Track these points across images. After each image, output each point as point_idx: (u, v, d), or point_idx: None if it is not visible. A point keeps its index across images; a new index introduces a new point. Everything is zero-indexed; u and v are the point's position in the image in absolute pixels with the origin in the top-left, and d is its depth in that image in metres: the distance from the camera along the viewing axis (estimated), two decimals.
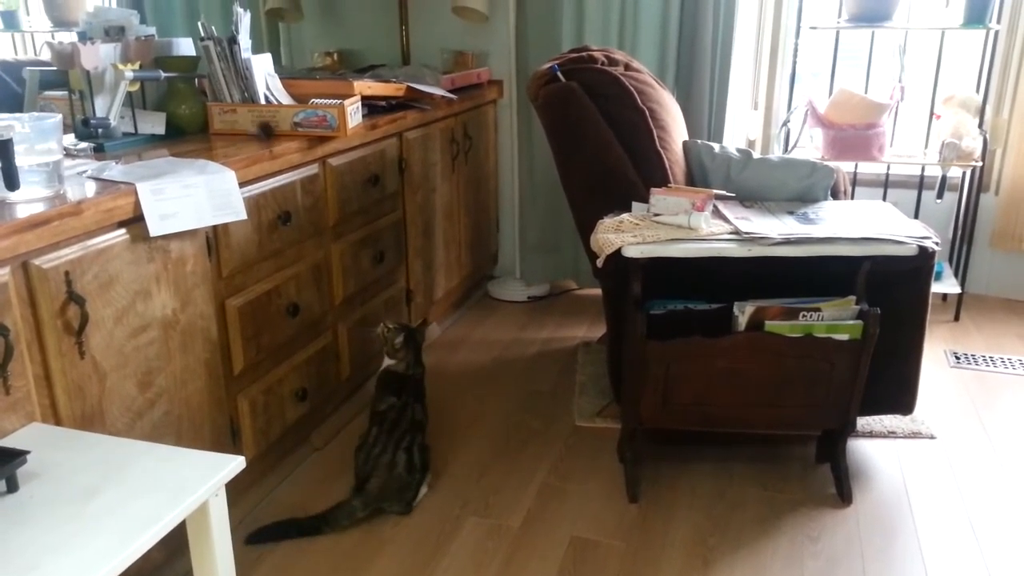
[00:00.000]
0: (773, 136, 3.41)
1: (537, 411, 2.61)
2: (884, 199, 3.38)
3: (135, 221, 1.61)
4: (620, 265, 1.97)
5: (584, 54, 2.46)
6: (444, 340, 3.16)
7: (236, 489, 1.98)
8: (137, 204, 1.60)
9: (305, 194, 2.16)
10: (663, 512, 2.09)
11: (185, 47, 2.28)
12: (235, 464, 1.32)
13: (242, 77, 2.19)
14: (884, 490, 2.18)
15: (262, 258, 2.02)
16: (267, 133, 2.13)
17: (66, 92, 2.02)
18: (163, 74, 2.09)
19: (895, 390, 2.16)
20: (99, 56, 1.94)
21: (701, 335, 1.98)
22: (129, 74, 1.99)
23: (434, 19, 3.46)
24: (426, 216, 2.92)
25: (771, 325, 1.97)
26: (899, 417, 2.48)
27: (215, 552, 1.32)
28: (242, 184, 1.87)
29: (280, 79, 2.33)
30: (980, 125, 3.13)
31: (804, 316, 1.96)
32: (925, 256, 1.94)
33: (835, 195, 2.48)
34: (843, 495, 2.12)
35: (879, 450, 2.36)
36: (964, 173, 3.29)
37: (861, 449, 2.36)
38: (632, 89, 2.36)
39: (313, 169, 2.20)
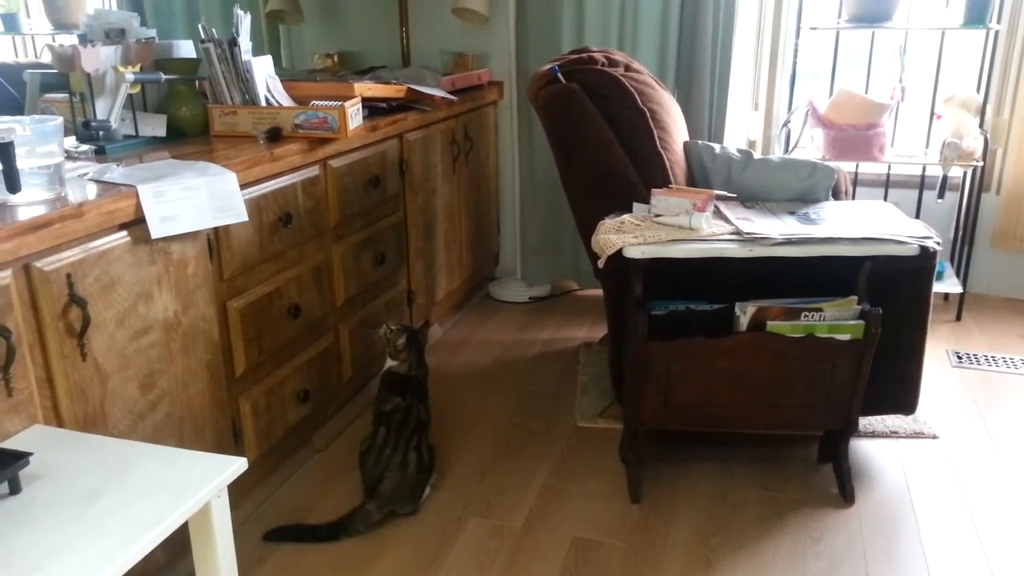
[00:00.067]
0: (774, 136, 3.41)
1: (539, 412, 2.61)
2: (885, 199, 3.38)
3: (136, 223, 1.61)
4: (621, 266, 1.97)
5: (584, 55, 2.46)
6: (446, 341, 3.16)
7: (238, 491, 1.98)
8: (138, 206, 1.60)
9: (306, 196, 2.16)
10: (665, 512, 2.09)
11: (186, 49, 2.29)
12: (237, 466, 1.32)
13: (243, 79, 2.19)
14: (886, 490, 2.17)
15: (263, 260, 2.02)
16: (275, 138, 2.13)
17: (67, 95, 2.02)
18: (164, 76, 2.09)
19: (897, 390, 2.16)
20: (100, 59, 1.95)
21: (702, 335, 1.98)
22: (130, 76, 1.99)
23: (434, 20, 3.46)
24: (427, 217, 2.92)
25: (773, 325, 1.97)
26: (901, 417, 2.48)
27: (217, 553, 1.32)
28: (243, 186, 1.87)
29: (281, 81, 2.33)
30: (981, 125, 3.13)
31: (806, 316, 1.96)
32: (926, 256, 1.93)
33: (836, 195, 2.48)
34: (845, 495, 2.12)
35: (881, 450, 2.35)
36: (965, 173, 3.29)
37: (863, 449, 2.35)
38: (632, 90, 2.36)
39: (314, 171, 2.20)
